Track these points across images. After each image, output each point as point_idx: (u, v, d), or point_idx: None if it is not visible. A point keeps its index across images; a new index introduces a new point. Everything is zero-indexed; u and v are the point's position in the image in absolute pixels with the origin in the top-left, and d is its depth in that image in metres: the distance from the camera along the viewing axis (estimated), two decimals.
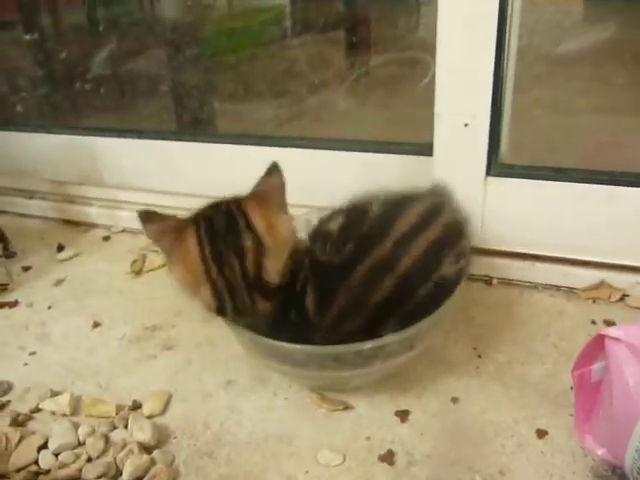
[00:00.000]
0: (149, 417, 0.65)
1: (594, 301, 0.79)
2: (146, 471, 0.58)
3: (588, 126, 1.18)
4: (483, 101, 0.75)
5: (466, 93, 0.75)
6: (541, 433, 0.59)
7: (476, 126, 0.76)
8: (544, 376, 0.67)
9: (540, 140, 1.08)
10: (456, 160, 0.79)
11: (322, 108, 1.45)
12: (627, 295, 0.78)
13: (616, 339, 0.50)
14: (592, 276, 0.80)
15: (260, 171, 0.61)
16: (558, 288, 0.82)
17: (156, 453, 0.60)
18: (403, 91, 1.40)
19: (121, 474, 0.58)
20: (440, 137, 0.79)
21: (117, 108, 1.39)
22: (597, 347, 0.53)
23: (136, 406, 0.67)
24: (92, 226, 1.17)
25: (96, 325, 0.85)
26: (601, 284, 0.80)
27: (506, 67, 0.76)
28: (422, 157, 0.83)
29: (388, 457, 0.58)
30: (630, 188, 0.75)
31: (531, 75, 1.37)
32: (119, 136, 1.11)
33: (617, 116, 1.19)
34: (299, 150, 0.96)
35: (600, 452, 0.54)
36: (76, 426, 0.65)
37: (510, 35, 0.75)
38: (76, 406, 0.69)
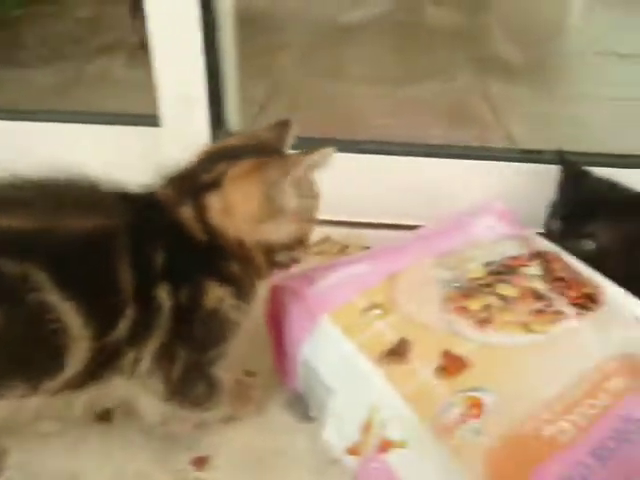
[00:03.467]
0: None
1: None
2: None
3: (351, 93, 1.25)
4: (197, 73, 0.77)
5: (179, 64, 0.77)
6: None
7: (195, 97, 0.78)
8: None
9: (291, 108, 1.14)
10: (181, 131, 0.80)
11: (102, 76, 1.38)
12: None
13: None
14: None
15: None
16: None
17: None
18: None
19: None
20: (164, 108, 0.80)
21: None
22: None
23: None
24: None
25: None
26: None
27: (221, 39, 0.79)
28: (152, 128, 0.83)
29: None
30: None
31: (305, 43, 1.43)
32: None
33: (385, 86, 1.27)
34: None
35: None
36: None
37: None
38: None
